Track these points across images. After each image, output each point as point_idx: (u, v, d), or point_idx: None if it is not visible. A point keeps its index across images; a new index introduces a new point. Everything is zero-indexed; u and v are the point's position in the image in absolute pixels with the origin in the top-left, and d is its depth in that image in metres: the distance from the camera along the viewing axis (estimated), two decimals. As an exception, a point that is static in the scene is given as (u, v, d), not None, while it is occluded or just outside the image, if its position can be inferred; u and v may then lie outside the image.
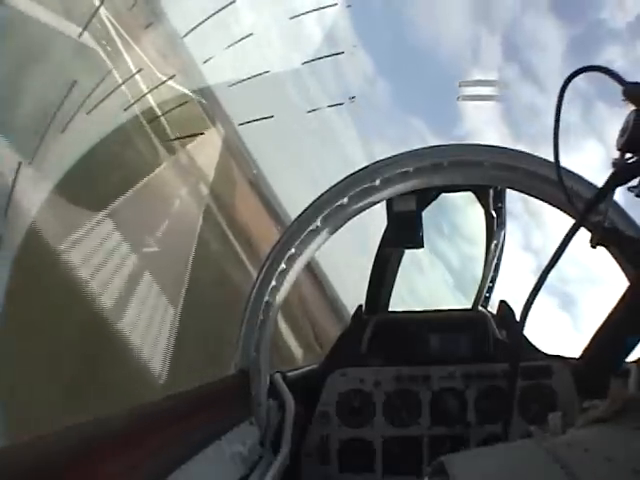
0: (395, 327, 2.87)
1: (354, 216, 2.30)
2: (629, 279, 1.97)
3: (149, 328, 8.26)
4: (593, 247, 1.19)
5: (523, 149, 2.20)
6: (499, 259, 3.28)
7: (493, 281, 3.32)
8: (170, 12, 16.40)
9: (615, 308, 0.95)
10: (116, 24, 12.60)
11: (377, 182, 2.20)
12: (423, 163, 2.20)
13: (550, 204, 2.20)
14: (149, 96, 12.81)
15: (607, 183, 1.10)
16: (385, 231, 2.83)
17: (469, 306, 3.35)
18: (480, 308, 3.21)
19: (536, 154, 2.18)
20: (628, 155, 1.08)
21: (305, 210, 2.24)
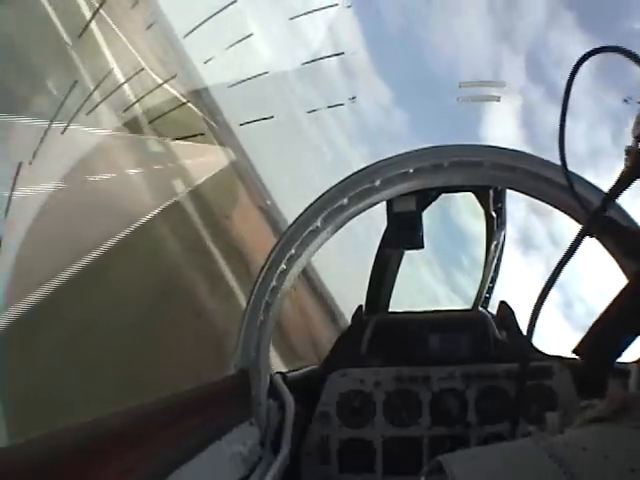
0: (395, 327, 2.88)
1: (354, 217, 2.31)
2: (626, 274, 1.97)
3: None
4: (592, 237, 1.16)
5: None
6: (499, 259, 3.28)
7: (493, 281, 3.32)
8: (170, 12, 16.38)
9: (612, 304, 0.95)
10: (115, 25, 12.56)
11: (377, 183, 2.20)
12: (423, 163, 2.20)
13: (551, 205, 2.20)
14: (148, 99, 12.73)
15: (623, 175, 1.04)
16: (385, 232, 2.83)
17: (469, 306, 3.36)
18: (480, 308, 3.21)
19: (537, 154, 2.18)
20: None
21: (305, 211, 2.24)
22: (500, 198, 2.84)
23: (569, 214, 2.14)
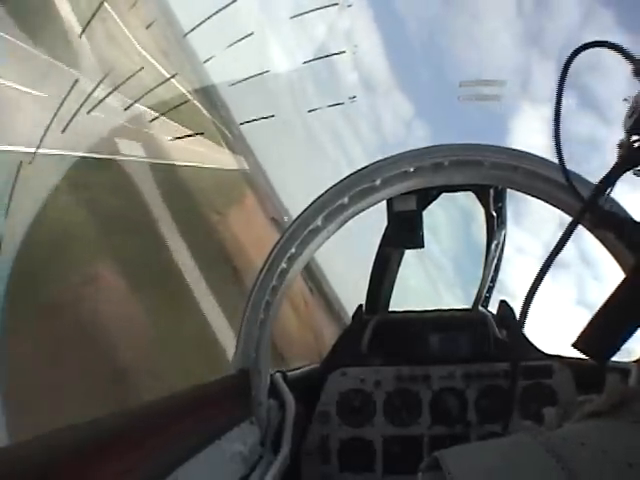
0: (395, 327, 2.87)
1: (354, 216, 2.30)
2: (624, 267, 1.97)
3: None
4: (591, 229, 1.16)
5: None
6: (499, 259, 3.27)
7: (493, 281, 3.32)
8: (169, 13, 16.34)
9: (611, 297, 0.94)
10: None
11: (377, 182, 2.20)
12: (423, 163, 2.19)
13: (551, 204, 2.19)
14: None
15: (615, 167, 1.05)
16: (385, 231, 2.83)
17: (469, 306, 3.35)
18: (480, 308, 3.21)
19: (536, 154, 2.18)
20: (635, 137, 1.04)
21: (305, 210, 2.24)
22: (500, 197, 2.83)
23: (570, 214, 2.13)
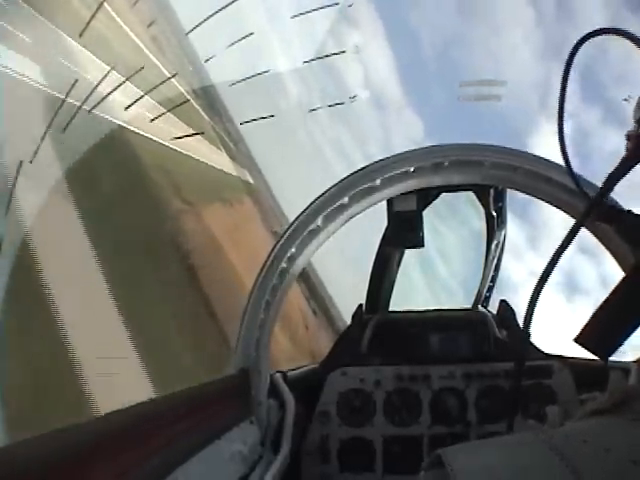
0: (395, 327, 2.87)
1: (355, 216, 2.30)
2: (623, 264, 1.97)
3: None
4: (593, 223, 1.14)
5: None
6: (499, 259, 3.28)
7: (493, 281, 3.32)
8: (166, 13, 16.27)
9: (613, 292, 0.94)
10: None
11: (378, 182, 2.20)
12: (423, 163, 2.19)
13: (551, 204, 2.19)
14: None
15: (624, 160, 1.02)
16: (386, 231, 2.83)
17: (469, 306, 3.35)
18: (480, 308, 3.21)
19: (537, 154, 2.18)
20: None
21: (305, 210, 2.24)
22: (500, 197, 2.83)
23: (570, 213, 2.13)
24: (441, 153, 2.19)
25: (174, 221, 11.69)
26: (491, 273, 3.27)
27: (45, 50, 9.28)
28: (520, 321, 2.78)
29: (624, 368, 1.88)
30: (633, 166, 1.03)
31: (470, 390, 2.54)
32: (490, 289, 3.32)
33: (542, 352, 2.61)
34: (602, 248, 2.11)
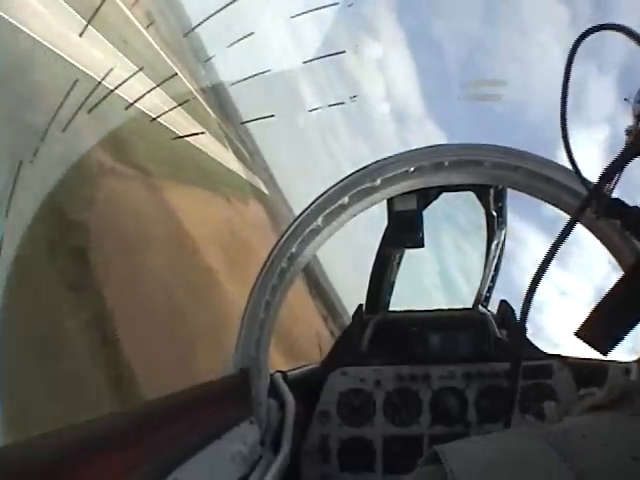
0: (395, 326, 2.87)
1: (355, 215, 2.30)
2: (622, 266, 1.97)
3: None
4: (598, 218, 1.13)
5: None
6: (499, 259, 3.27)
7: (493, 281, 3.32)
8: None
9: (614, 287, 0.94)
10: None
11: (378, 181, 2.20)
12: (424, 162, 2.19)
13: (550, 204, 2.19)
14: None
15: (623, 153, 1.02)
16: (386, 230, 2.83)
17: (469, 306, 3.35)
18: (480, 308, 3.21)
19: (537, 153, 2.18)
20: None
21: (306, 209, 2.24)
22: (501, 197, 2.83)
23: (570, 213, 2.13)
24: (441, 153, 2.19)
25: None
26: (491, 273, 3.27)
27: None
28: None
29: (625, 368, 1.88)
30: (631, 158, 1.03)
31: (470, 390, 2.54)
32: (490, 289, 3.32)
33: (542, 352, 2.61)
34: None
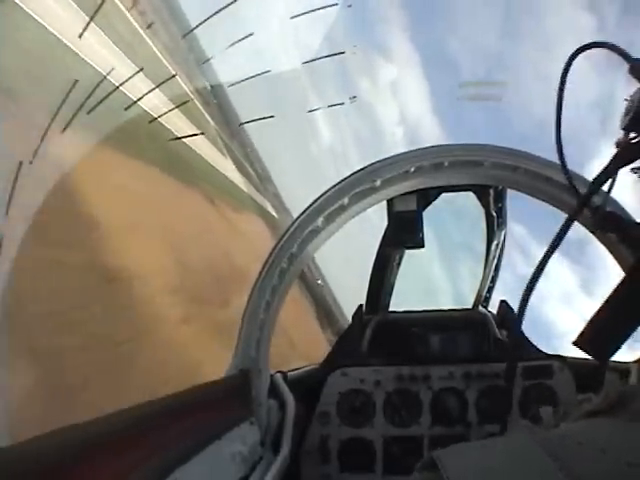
0: (395, 327, 2.88)
1: (355, 216, 2.30)
2: (624, 268, 1.97)
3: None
4: (593, 231, 1.15)
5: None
6: (499, 259, 3.28)
7: (493, 281, 3.32)
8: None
9: (612, 295, 0.94)
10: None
11: (378, 182, 2.20)
12: (424, 163, 2.19)
13: (551, 204, 2.19)
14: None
15: (610, 163, 1.05)
16: (386, 231, 2.83)
17: (469, 306, 3.36)
18: (480, 308, 3.21)
19: (536, 154, 2.18)
20: (632, 135, 1.03)
21: (306, 210, 2.24)
22: (500, 197, 2.84)
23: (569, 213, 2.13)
24: (441, 153, 2.19)
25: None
26: (491, 273, 3.27)
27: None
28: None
29: (624, 369, 1.88)
30: (620, 167, 1.05)
31: (470, 390, 2.54)
32: (490, 289, 3.32)
33: (542, 352, 2.61)
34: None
